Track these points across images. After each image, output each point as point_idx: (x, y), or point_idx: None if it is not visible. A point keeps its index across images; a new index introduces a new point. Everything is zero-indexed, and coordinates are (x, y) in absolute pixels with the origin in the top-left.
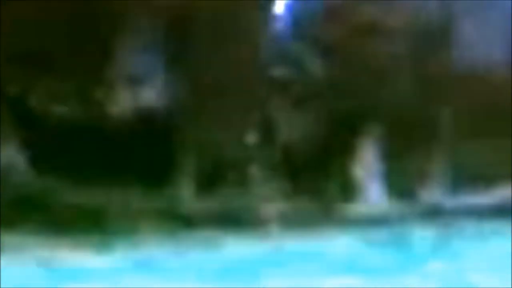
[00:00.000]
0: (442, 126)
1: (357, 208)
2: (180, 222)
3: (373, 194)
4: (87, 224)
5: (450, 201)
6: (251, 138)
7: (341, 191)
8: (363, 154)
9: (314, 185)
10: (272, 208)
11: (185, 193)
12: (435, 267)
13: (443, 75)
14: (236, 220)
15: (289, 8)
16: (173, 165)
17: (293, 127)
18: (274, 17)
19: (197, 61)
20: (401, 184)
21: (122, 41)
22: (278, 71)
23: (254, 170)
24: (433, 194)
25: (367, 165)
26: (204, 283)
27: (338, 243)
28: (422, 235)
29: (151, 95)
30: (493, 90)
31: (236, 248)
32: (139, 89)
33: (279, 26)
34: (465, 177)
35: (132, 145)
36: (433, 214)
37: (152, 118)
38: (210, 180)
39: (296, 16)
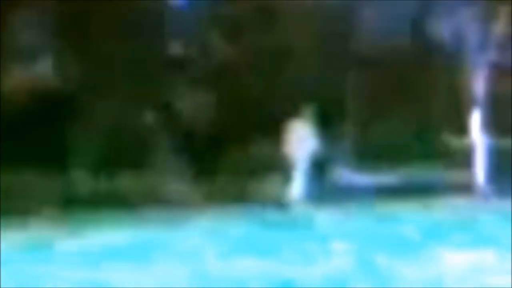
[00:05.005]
0: (349, 107)
1: (265, 188)
2: (76, 204)
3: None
4: None
5: (356, 181)
6: (150, 118)
7: (249, 171)
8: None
9: (216, 166)
10: (173, 189)
11: (82, 175)
12: (338, 247)
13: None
14: (135, 202)
15: None
16: (70, 147)
17: (196, 107)
18: None
19: (93, 40)
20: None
21: (14, 16)
22: (179, 50)
23: (155, 152)
24: (340, 173)
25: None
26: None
27: (241, 225)
28: (327, 215)
29: (44, 73)
30: (399, 72)
31: (135, 230)
32: (32, 66)
33: (180, 5)
34: (371, 157)
35: (27, 125)
36: (340, 193)
37: (48, 98)
38: (108, 162)
39: None
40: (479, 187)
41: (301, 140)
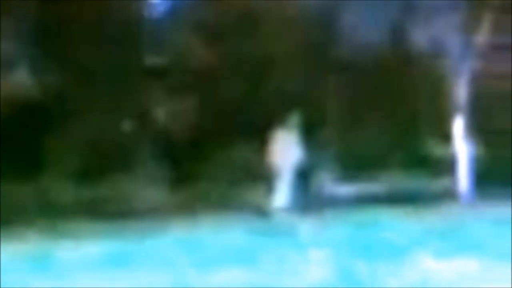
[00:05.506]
0: (332, 115)
1: (245, 198)
2: (55, 213)
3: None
4: None
5: (339, 189)
6: (128, 126)
7: (230, 179)
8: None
9: (197, 173)
10: (153, 197)
11: (61, 185)
12: (321, 255)
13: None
14: (116, 211)
15: None
16: (48, 156)
17: (174, 115)
18: (152, 4)
19: (71, 48)
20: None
21: None
22: (157, 59)
23: (135, 160)
24: (324, 182)
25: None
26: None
27: (222, 233)
28: (310, 224)
29: (22, 82)
30: (381, 80)
31: (115, 239)
32: (10, 75)
33: (158, 13)
34: (354, 166)
35: (5, 135)
36: (323, 202)
37: (26, 107)
38: (88, 171)
39: (175, 4)
40: (462, 194)
41: (285, 149)
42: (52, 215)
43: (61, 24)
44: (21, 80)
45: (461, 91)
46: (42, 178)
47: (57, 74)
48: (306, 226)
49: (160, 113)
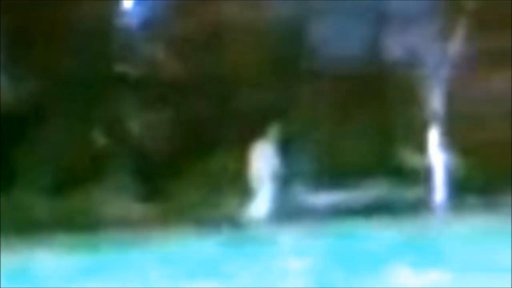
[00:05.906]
0: (309, 126)
1: (219, 210)
2: (26, 226)
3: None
4: None
5: (317, 199)
6: (100, 139)
7: (207, 190)
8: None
9: (170, 187)
10: (127, 210)
11: (32, 197)
12: (297, 266)
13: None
14: (88, 224)
15: (140, 4)
16: (20, 168)
17: (148, 127)
18: (125, 14)
19: (43, 58)
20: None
21: None
22: (131, 71)
23: (108, 173)
24: (302, 192)
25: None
26: None
27: (195, 246)
28: (288, 235)
29: None
30: (356, 90)
31: (88, 253)
32: None
33: (130, 24)
34: (332, 176)
35: None
36: (301, 212)
37: None
38: (58, 183)
39: (148, 14)
40: (439, 204)
41: (263, 160)
42: (24, 228)
43: (32, 33)
44: None
45: (437, 100)
46: (14, 191)
47: (29, 84)
48: (285, 237)
49: (135, 125)
